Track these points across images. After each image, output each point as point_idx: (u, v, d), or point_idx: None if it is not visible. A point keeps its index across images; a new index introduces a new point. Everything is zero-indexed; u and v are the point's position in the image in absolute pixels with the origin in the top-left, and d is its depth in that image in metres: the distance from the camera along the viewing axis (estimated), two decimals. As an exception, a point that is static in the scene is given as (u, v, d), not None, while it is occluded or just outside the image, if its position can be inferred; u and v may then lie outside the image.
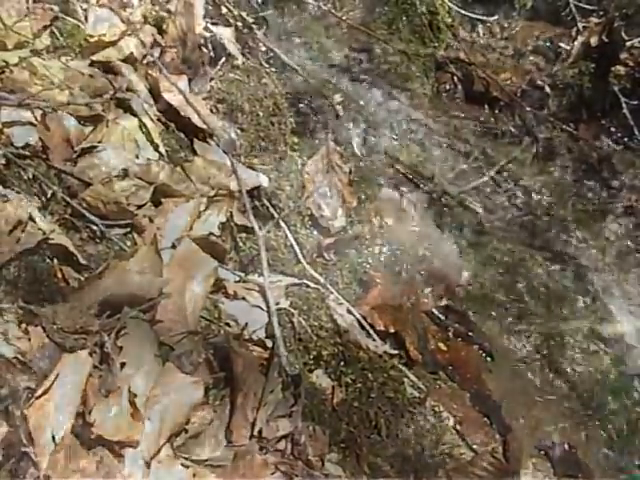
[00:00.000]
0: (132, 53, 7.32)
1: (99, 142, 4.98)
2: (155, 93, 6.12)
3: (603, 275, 6.99)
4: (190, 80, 9.40)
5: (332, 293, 4.80)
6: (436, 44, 10.49)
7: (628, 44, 7.94)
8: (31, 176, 4.38)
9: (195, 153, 5.95)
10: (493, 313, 5.19)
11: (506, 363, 4.03)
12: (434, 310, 4.78)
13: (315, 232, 6.96)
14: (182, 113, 6.10)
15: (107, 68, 5.54)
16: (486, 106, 9.71)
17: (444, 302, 5.19)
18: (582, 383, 3.90)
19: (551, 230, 8.01)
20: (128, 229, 4.53)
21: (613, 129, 8.66)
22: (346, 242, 7.06)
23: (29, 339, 3.51)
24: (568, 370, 4.57)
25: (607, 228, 7.68)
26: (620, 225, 7.66)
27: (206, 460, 3.33)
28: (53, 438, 3.12)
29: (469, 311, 5.10)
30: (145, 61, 9.15)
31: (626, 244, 7.35)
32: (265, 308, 4.24)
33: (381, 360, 3.68)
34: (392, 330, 3.87)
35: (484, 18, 10.85)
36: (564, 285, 5.69)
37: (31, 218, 4.14)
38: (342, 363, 3.70)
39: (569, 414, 3.61)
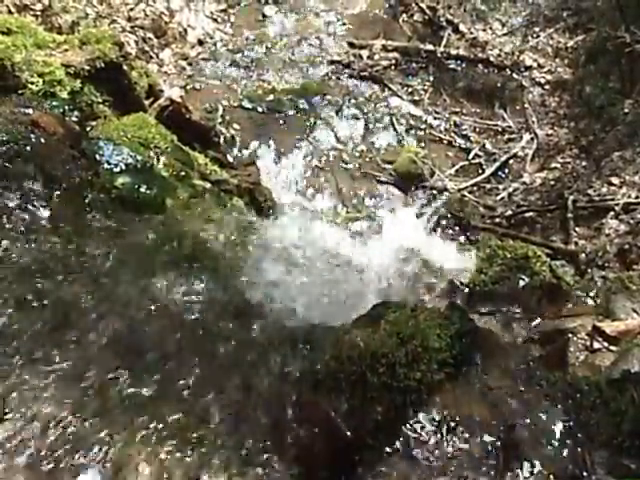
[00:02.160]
0: (132, 49, 7.37)
1: (100, 139, 4.97)
2: (155, 90, 6.11)
3: (605, 272, 6.99)
4: (190, 76, 9.46)
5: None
6: (436, 40, 10.59)
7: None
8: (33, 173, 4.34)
9: (195, 150, 5.94)
10: (495, 310, 5.19)
11: (508, 360, 3.99)
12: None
13: (315, 228, 6.97)
14: (182, 110, 6.10)
15: (108, 64, 5.49)
16: (486, 103, 9.78)
17: (447, 300, 5.19)
18: (585, 381, 3.86)
19: (552, 226, 8.02)
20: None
21: (614, 126, 8.64)
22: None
23: None
24: (571, 367, 4.58)
25: (608, 224, 7.66)
26: (621, 221, 7.65)
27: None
28: None
29: (472, 308, 5.09)
30: (146, 57, 9.20)
31: (627, 240, 7.34)
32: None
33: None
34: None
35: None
36: (566, 282, 5.67)
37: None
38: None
39: (572, 413, 3.58)
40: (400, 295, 5.23)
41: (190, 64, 9.68)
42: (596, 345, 4.57)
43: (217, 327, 4.01)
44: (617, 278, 5.43)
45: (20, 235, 4.12)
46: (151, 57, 9.40)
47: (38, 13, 8.80)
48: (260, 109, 9.00)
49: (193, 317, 4.01)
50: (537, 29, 10.62)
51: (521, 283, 5.31)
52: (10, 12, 8.57)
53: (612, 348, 4.52)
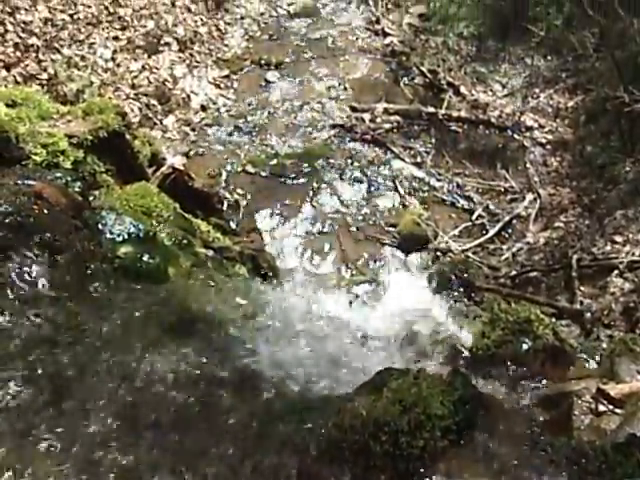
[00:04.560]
0: (136, 116, 7.45)
1: (103, 208, 4.99)
2: (158, 158, 6.16)
3: (611, 330, 6.96)
4: (194, 142, 9.55)
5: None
6: (438, 103, 10.68)
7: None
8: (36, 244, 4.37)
9: (198, 217, 5.97)
10: (499, 374, 5.17)
11: (512, 426, 3.96)
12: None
13: (318, 293, 6.99)
14: (184, 177, 6.14)
15: (111, 134, 5.54)
16: (488, 163, 9.82)
17: (450, 365, 5.17)
18: (590, 446, 3.82)
19: (557, 286, 8.00)
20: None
21: (616, 185, 8.67)
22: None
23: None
24: (576, 431, 4.54)
25: (613, 283, 7.65)
26: (626, 280, 7.63)
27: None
28: None
29: (475, 373, 5.07)
30: (149, 124, 9.30)
31: (632, 299, 7.32)
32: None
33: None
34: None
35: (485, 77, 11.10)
36: (569, 344, 5.64)
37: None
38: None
39: (577, 479, 3.54)
40: (403, 361, 5.21)
41: (193, 130, 9.78)
42: (601, 408, 4.54)
43: (217, 397, 4.00)
44: (621, 340, 5.42)
45: (22, 306, 4.14)
46: (155, 123, 9.51)
47: (44, 82, 8.94)
48: (263, 174, 9.08)
49: (193, 387, 4.00)
50: (537, 90, 10.73)
51: (524, 347, 5.29)
52: (17, 82, 8.71)
53: (617, 411, 4.49)
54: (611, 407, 4.52)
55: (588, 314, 7.29)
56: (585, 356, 5.52)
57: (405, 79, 11.09)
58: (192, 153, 9.21)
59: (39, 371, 3.81)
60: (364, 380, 4.05)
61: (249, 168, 9.12)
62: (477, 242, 8.60)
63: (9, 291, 4.17)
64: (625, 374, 4.90)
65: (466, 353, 5.51)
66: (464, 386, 3.90)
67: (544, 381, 5.07)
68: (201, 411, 3.87)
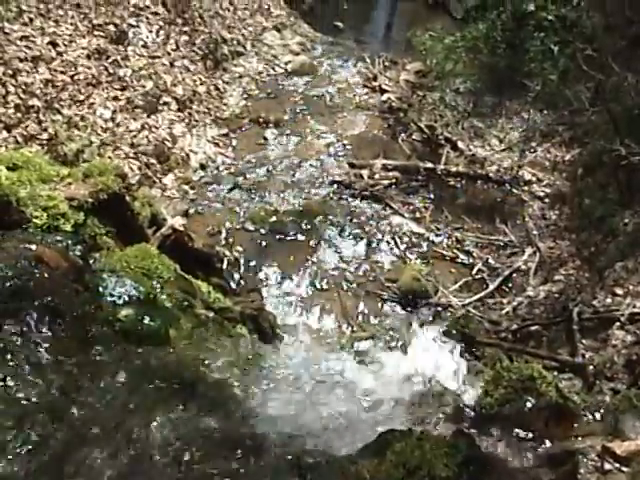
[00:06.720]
0: (136, 175, 7.47)
1: (103, 270, 4.99)
2: (158, 218, 6.17)
3: (613, 383, 6.92)
4: (193, 200, 9.58)
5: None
6: (436, 158, 10.75)
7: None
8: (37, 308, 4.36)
9: (198, 277, 5.96)
10: (503, 433, 5.13)
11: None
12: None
13: (319, 351, 6.95)
14: (184, 238, 6.14)
15: (111, 196, 5.56)
16: (487, 218, 9.86)
17: (454, 424, 5.14)
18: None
19: (558, 339, 7.98)
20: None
21: (615, 237, 8.68)
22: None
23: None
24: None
25: (614, 335, 7.64)
26: (627, 332, 7.62)
27: None
28: None
29: (479, 431, 5.03)
30: (149, 182, 9.34)
31: (635, 351, 7.30)
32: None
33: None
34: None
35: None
36: (573, 401, 5.60)
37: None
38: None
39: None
40: (405, 421, 5.18)
41: (193, 188, 9.83)
42: (607, 466, 4.49)
43: (221, 458, 3.97)
44: (624, 396, 5.38)
45: (23, 371, 4.12)
46: (154, 182, 9.55)
47: (44, 142, 9.00)
48: (263, 231, 9.11)
49: (196, 449, 3.98)
50: (534, 144, 10.81)
51: (528, 405, 5.26)
52: (17, 142, 8.76)
53: (623, 469, 4.44)
54: (617, 465, 4.47)
55: (590, 367, 7.26)
56: (589, 412, 5.49)
57: (403, 135, 11.19)
58: (191, 211, 9.25)
59: (41, 436, 3.79)
60: (366, 442, 4.03)
61: (248, 225, 9.15)
62: (477, 297, 8.60)
63: (10, 356, 4.16)
64: (630, 431, 4.86)
65: (469, 412, 5.48)
66: (468, 447, 3.88)
67: (548, 440, 5.03)
68: (205, 473, 3.84)
